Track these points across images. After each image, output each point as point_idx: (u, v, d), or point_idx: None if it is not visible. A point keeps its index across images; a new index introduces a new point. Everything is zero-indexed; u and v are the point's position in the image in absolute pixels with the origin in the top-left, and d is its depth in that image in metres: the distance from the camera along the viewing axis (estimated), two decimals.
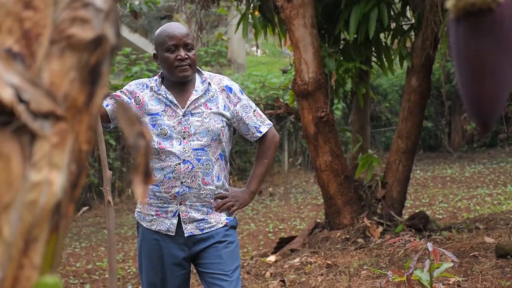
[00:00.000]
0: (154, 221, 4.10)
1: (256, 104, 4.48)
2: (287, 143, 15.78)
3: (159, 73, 4.11)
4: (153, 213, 4.08)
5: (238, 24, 8.76)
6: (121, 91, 3.97)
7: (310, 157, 15.69)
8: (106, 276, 8.98)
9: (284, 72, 18.14)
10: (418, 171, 15.40)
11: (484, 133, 1.18)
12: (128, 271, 9.13)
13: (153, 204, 4.07)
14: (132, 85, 4.04)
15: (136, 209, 4.19)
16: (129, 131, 1.05)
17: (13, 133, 0.95)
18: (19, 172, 0.95)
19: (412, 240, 3.71)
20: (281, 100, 8.84)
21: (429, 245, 3.29)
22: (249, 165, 15.46)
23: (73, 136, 0.98)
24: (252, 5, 8.65)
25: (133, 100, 3.94)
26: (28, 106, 0.96)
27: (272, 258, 8.01)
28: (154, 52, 4.12)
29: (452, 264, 3.37)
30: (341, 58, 8.26)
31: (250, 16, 8.65)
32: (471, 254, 6.77)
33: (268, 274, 7.26)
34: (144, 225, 4.11)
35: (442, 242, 7.19)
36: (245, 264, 8.13)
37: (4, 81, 0.95)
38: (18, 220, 0.94)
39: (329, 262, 7.23)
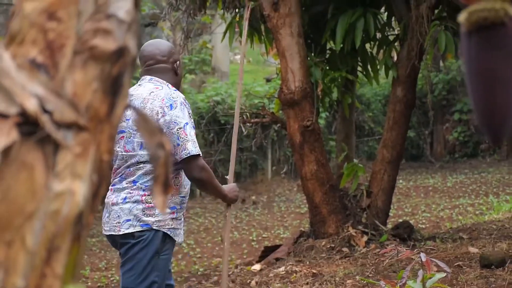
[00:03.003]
0: (179, 233, 4.02)
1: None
2: (270, 151, 15.79)
3: (166, 84, 4.04)
4: (179, 226, 4.02)
5: (225, 32, 8.78)
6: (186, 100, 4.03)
7: (293, 165, 15.75)
8: (89, 284, 8.95)
9: (268, 80, 18.16)
10: (400, 181, 15.46)
11: (495, 145, 1.20)
12: (112, 279, 9.10)
13: (180, 218, 4.02)
14: (181, 96, 4.02)
15: (167, 226, 3.93)
16: (150, 142, 1.06)
17: (36, 143, 0.96)
18: (43, 181, 0.96)
19: (405, 250, 3.73)
20: (266, 109, 8.86)
21: (422, 256, 3.31)
22: None
23: (95, 146, 0.99)
24: (239, 13, 8.67)
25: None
26: (52, 116, 0.96)
27: (257, 266, 8.01)
28: (173, 60, 4.11)
29: (445, 275, 3.39)
30: (327, 67, 8.29)
31: (236, 24, 8.67)
32: (456, 264, 6.80)
33: (253, 283, 7.26)
34: (175, 239, 3.98)
35: (427, 252, 7.22)
36: (230, 273, 8.13)
37: (28, 92, 0.96)
38: (41, 229, 0.94)
39: (314, 271, 7.24)
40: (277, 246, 8.77)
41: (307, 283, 6.92)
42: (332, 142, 13.68)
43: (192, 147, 3.84)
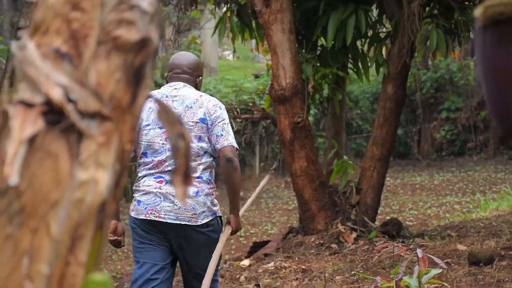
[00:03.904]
0: None
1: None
2: (258, 148, 15.80)
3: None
4: None
5: (216, 27, 8.77)
6: None
7: (280, 162, 15.76)
8: None
9: (257, 77, 18.17)
10: (388, 178, 15.48)
11: (509, 142, 1.20)
12: (122, 270, 9.10)
13: None
14: None
15: (220, 212, 4.53)
16: (170, 133, 1.07)
17: (61, 132, 0.97)
18: (67, 170, 0.96)
19: (400, 246, 3.75)
20: (257, 105, 8.87)
21: (419, 252, 3.33)
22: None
23: (118, 136, 1.00)
24: (230, 9, 8.67)
25: None
26: (76, 105, 0.97)
27: (246, 262, 8.02)
28: (197, 74, 4.64)
29: (440, 271, 3.41)
30: (318, 64, 8.31)
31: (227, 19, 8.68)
32: (444, 261, 6.81)
33: (242, 278, 7.27)
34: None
35: (414, 249, 7.26)
36: (219, 268, 8.13)
37: (53, 81, 0.97)
38: (65, 217, 0.95)
39: (303, 267, 7.26)
40: (266, 242, 8.79)
41: (297, 279, 6.94)
42: (321, 139, 13.71)
43: (232, 140, 4.41)
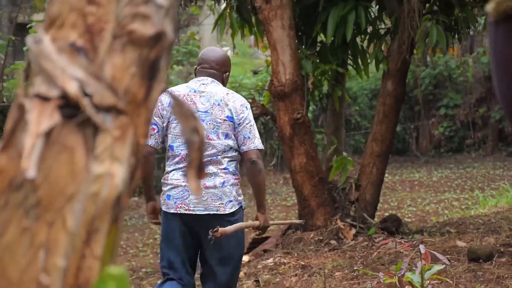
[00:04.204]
0: None
1: None
2: None
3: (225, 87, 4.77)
4: None
5: (215, 23, 8.77)
6: None
7: (279, 158, 15.77)
8: None
9: (255, 73, 18.17)
10: (386, 175, 15.46)
11: None
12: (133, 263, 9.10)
13: None
14: None
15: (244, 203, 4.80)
16: (185, 126, 1.07)
17: (77, 126, 0.97)
18: (83, 164, 0.97)
19: (403, 242, 3.76)
20: (256, 101, 8.87)
21: (421, 247, 3.34)
22: None
23: (133, 130, 1.00)
24: (229, 5, 8.67)
25: None
26: (92, 99, 0.97)
27: (245, 258, 8.02)
28: (224, 70, 4.78)
29: (443, 266, 3.41)
30: (318, 60, 8.31)
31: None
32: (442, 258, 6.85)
33: (242, 274, 7.27)
34: None
35: (415, 245, 7.27)
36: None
37: (68, 75, 0.97)
38: (81, 211, 0.96)
39: (302, 263, 7.26)
40: (265, 238, 8.78)
41: (296, 275, 6.95)
42: (319, 135, 13.70)
43: (258, 142, 4.63)
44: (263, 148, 4.74)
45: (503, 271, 6.38)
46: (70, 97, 0.96)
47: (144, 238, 11.47)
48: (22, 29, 15.98)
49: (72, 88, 0.96)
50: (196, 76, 4.79)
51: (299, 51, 8.02)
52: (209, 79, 4.68)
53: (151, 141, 4.54)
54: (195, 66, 4.86)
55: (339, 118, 9.11)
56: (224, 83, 4.78)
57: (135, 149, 1.01)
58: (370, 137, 8.38)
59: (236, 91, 5.44)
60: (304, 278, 6.80)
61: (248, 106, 4.69)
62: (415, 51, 8.28)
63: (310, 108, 15.81)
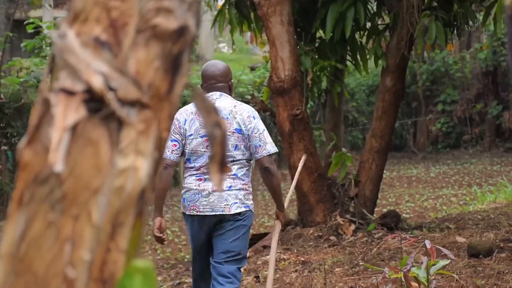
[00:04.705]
0: None
1: None
2: None
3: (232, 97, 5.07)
4: None
5: (215, 19, 8.77)
6: None
7: (278, 155, 15.76)
8: None
9: (253, 69, 18.16)
10: (384, 171, 15.53)
11: None
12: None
13: None
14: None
15: (253, 208, 5.12)
16: (207, 121, 1.07)
17: (101, 120, 0.97)
18: (107, 158, 0.97)
19: (408, 237, 3.76)
20: (256, 97, 8.87)
21: (427, 243, 3.34)
22: None
23: (156, 124, 1.00)
24: (228, 1, 8.66)
25: None
26: (116, 94, 0.98)
27: None
28: (228, 79, 5.06)
29: (448, 261, 3.42)
30: (317, 56, 8.31)
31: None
32: (444, 253, 6.85)
33: (242, 270, 7.27)
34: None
35: (421, 241, 7.28)
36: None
37: (93, 69, 0.97)
38: (106, 205, 0.96)
39: (302, 259, 7.27)
40: (265, 234, 8.79)
41: (296, 271, 6.96)
42: (316, 132, 13.70)
43: (270, 147, 4.89)
44: (276, 151, 4.96)
45: (503, 266, 6.39)
46: (95, 91, 0.96)
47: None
48: (19, 26, 15.96)
49: (97, 82, 0.96)
50: (206, 93, 5.06)
51: (298, 47, 8.02)
52: (218, 93, 4.97)
53: (173, 156, 4.89)
54: (201, 84, 5.14)
55: (338, 114, 9.12)
56: (230, 90, 5.09)
57: (158, 143, 1.01)
58: (369, 133, 8.39)
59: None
60: (304, 274, 6.80)
61: (256, 115, 4.97)
62: (414, 47, 8.28)
63: (308, 104, 15.81)
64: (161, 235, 5.01)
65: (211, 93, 4.97)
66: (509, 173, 13.81)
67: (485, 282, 5.97)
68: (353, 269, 6.78)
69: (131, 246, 0.98)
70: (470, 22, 8.53)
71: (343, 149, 8.63)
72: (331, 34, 7.97)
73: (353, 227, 8.00)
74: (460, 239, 7.34)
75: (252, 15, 8.60)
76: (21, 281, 0.94)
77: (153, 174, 1.01)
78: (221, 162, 1.06)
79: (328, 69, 8.37)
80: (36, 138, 0.97)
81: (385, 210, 10.07)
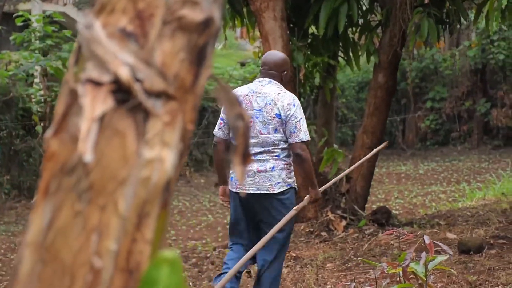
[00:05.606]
0: None
1: None
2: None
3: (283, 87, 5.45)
4: None
5: None
6: None
7: None
8: None
9: (243, 65, 18.16)
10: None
11: None
12: None
13: None
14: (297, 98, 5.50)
15: (296, 184, 5.52)
16: (229, 112, 1.08)
17: (128, 111, 0.97)
18: (134, 149, 0.97)
19: (406, 233, 3.78)
20: None
21: (426, 238, 3.36)
22: (206, 156, 15.50)
23: (182, 115, 1.01)
24: None
25: None
26: (142, 85, 0.98)
27: None
28: (282, 70, 5.47)
29: (447, 257, 3.44)
30: (310, 52, 8.31)
31: None
32: (434, 250, 6.88)
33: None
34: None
35: (420, 237, 7.31)
36: (208, 254, 8.16)
37: (120, 60, 0.97)
38: (132, 195, 0.96)
39: (294, 254, 7.29)
40: None
41: (288, 266, 6.97)
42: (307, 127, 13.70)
43: (303, 135, 5.26)
44: (309, 139, 5.35)
45: (494, 262, 6.43)
46: (122, 82, 0.97)
47: None
48: (8, 19, 15.88)
49: (124, 73, 0.97)
50: (260, 77, 5.52)
51: (291, 42, 8.02)
52: (267, 79, 5.40)
53: (220, 133, 5.37)
54: (260, 68, 5.63)
55: (329, 110, 9.14)
56: (283, 80, 5.49)
57: (183, 135, 1.02)
58: (360, 130, 8.41)
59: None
60: (296, 270, 6.82)
61: (296, 103, 5.34)
62: (409, 43, 8.30)
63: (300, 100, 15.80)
64: (224, 201, 5.57)
65: (262, 78, 5.44)
66: (497, 170, 13.87)
67: (476, 278, 6.00)
68: (345, 264, 6.81)
69: (157, 237, 0.99)
70: (462, 20, 8.55)
71: (335, 145, 8.64)
72: (324, 30, 7.98)
73: (344, 223, 8.03)
74: (450, 235, 7.38)
75: (245, 10, 8.59)
76: (48, 270, 0.95)
77: (178, 165, 1.01)
78: (244, 154, 1.07)
79: (321, 65, 8.38)
80: (63, 128, 0.97)
81: (374, 206, 10.10)
